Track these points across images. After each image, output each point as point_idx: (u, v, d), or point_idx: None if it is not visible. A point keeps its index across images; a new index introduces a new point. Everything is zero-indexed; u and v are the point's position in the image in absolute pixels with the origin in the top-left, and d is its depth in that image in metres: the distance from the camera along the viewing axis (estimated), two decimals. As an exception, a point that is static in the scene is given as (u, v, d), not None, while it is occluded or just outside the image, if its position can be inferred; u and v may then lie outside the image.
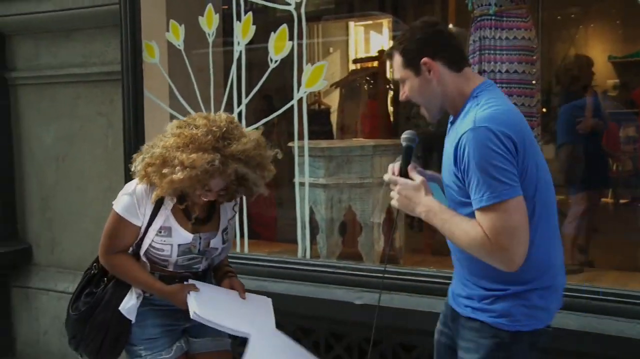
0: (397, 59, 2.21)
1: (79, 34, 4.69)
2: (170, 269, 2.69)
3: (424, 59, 2.14)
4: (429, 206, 2.13)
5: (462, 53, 2.25)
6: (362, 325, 3.48)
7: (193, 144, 2.48)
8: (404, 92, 2.24)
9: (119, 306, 2.66)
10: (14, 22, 4.89)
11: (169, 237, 2.62)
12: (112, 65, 4.43)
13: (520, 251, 2.00)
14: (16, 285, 5.09)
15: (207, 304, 2.64)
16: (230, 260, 3.57)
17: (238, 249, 4.08)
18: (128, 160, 4.13)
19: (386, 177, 2.25)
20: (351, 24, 8.01)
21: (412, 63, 2.17)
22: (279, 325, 2.91)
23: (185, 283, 2.69)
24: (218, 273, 2.87)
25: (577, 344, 2.96)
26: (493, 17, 3.51)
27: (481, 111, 2.03)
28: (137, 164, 2.61)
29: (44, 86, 4.90)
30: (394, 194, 2.22)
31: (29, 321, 5.05)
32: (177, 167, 2.44)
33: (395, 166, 2.24)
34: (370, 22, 8.11)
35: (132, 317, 2.66)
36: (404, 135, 2.25)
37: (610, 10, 7.42)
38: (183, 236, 2.63)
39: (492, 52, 3.53)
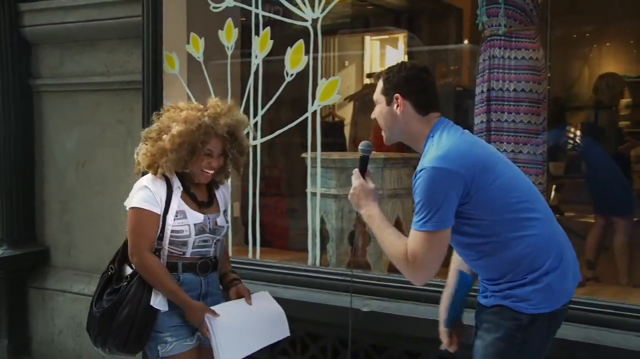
0: (380, 83, 2.50)
1: (103, 44, 4.81)
2: (188, 254, 2.89)
3: (397, 94, 2.42)
4: (371, 211, 2.50)
5: (432, 101, 2.47)
6: (368, 332, 3.61)
7: (181, 113, 2.88)
8: (374, 113, 2.55)
9: (143, 300, 2.83)
10: (40, 32, 5.03)
11: (185, 219, 2.88)
12: (133, 75, 4.56)
13: (426, 276, 2.36)
14: (33, 286, 5.18)
15: (229, 335, 2.85)
16: (242, 266, 3.75)
17: (250, 255, 4.21)
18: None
19: (353, 178, 2.58)
20: (367, 38, 8.09)
21: (388, 92, 2.46)
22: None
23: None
24: (225, 280, 3.09)
25: (577, 354, 3.07)
26: (502, 38, 3.59)
27: (433, 152, 2.29)
28: (138, 151, 2.95)
29: (67, 93, 5.02)
30: (352, 189, 2.56)
31: (44, 321, 5.14)
32: (173, 124, 2.81)
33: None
34: (386, 36, 8.19)
35: (164, 308, 2.84)
36: (361, 146, 2.60)
37: (625, 29, 7.53)
38: (196, 216, 2.91)
39: (500, 71, 3.61)
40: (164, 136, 2.82)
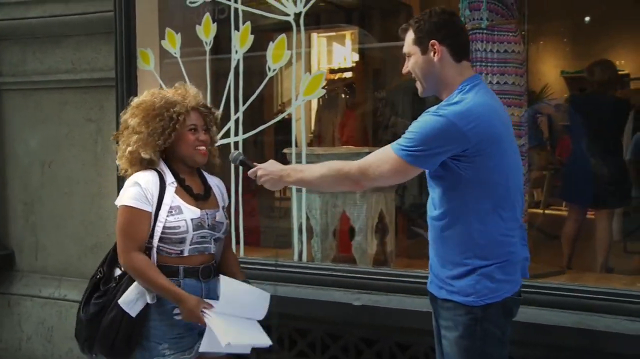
0: (410, 34, 2.43)
1: (68, 41, 4.68)
2: (186, 253, 2.74)
3: (433, 41, 2.35)
4: (284, 170, 2.59)
5: (467, 46, 2.46)
6: (359, 325, 3.59)
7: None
8: (407, 67, 2.47)
9: None
10: (1, 27, 4.86)
11: (181, 214, 2.73)
12: (103, 72, 4.47)
13: (368, 186, 2.54)
14: None
15: (228, 322, 2.72)
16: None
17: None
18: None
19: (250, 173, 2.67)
20: (314, 35, 8.08)
21: (421, 42, 2.39)
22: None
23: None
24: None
25: (572, 340, 3.11)
26: (485, 31, 3.62)
27: (455, 102, 2.28)
28: (118, 156, 2.86)
29: (30, 92, 4.88)
30: (262, 181, 2.61)
31: (11, 327, 4.99)
32: (134, 100, 2.85)
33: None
34: (333, 33, 8.19)
35: (132, 313, 2.69)
36: (231, 159, 2.78)
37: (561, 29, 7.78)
38: (192, 210, 2.76)
39: (483, 64, 3.63)
40: (130, 121, 2.77)
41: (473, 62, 3.66)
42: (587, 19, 7.51)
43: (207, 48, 4.14)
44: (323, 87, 6.76)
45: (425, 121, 2.26)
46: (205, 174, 2.96)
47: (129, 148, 2.75)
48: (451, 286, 2.35)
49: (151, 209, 2.71)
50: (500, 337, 2.37)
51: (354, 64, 6.77)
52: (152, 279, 2.68)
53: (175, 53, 4.21)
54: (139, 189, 2.71)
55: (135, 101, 2.83)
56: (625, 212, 4.75)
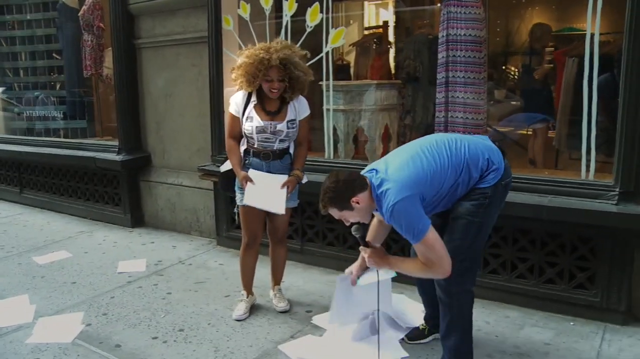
0: (333, 209, 2.39)
1: (180, 12, 4.86)
2: (256, 145, 3.11)
3: (352, 199, 2.33)
4: (390, 261, 2.47)
5: (362, 177, 2.38)
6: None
7: (246, 51, 3.04)
8: (348, 222, 2.44)
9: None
10: (140, 7, 5.10)
11: (252, 122, 3.07)
12: (202, 32, 4.64)
13: (447, 268, 2.26)
14: (142, 179, 5.41)
15: (252, 194, 3.09)
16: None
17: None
18: (213, 95, 4.42)
19: (361, 250, 2.52)
20: (365, 3, 8.03)
21: (344, 206, 2.35)
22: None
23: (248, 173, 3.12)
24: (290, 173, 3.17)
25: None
26: (456, 0, 3.64)
27: (390, 193, 2.26)
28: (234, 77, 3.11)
29: (157, 48, 5.09)
30: (368, 261, 2.50)
31: (151, 202, 5.39)
32: (239, 59, 2.99)
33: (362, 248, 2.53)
34: (379, 1, 8.11)
35: (221, 169, 3.23)
36: (353, 232, 2.48)
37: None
38: (258, 120, 3.06)
39: (455, 21, 3.65)
40: (238, 71, 3.03)
41: (448, 21, 3.66)
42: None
43: (267, 13, 4.27)
44: (363, 40, 6.94)
45: (396, 216, 2.25)
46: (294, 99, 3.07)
47: (237, 84, 3.08)
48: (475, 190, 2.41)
49: (239, 115, 3.09)
50: (495, 210, 2.44)
51: (384, 23, 6.75)
52: (230, 157, 3.15)
53: (246, 17, 4.35)
54: (233, 103, 3.11)
55: (239, 61, 3.01)
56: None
